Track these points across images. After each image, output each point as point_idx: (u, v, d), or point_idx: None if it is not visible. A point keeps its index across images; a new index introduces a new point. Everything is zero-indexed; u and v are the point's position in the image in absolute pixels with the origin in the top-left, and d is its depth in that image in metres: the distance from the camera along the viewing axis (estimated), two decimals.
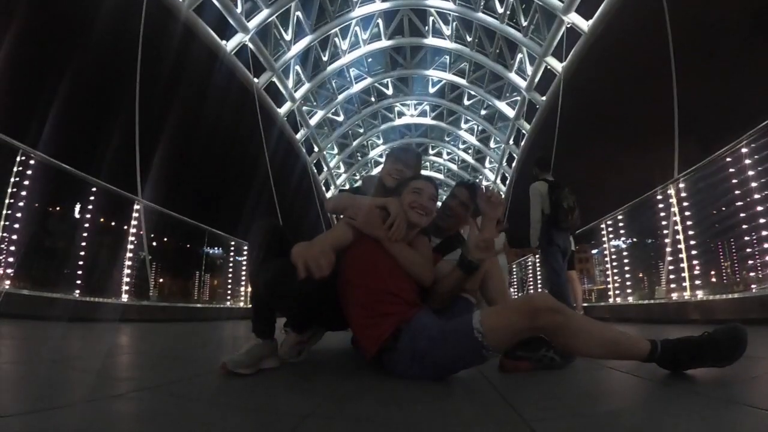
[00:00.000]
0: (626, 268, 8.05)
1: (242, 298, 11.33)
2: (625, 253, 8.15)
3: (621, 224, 8.11)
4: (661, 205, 6.70)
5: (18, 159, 5.18)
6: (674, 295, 6.23)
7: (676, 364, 1.68)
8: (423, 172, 2.91)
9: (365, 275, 2.03)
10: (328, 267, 1.77)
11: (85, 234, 6.27)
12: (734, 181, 5.16)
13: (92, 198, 6.38)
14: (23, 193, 5.19)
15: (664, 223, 6.60)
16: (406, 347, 1.83)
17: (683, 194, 6.22)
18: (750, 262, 5.21)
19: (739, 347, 1.63)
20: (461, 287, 2.21)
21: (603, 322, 1.82)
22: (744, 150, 5.01)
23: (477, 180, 26.35)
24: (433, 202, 2.24)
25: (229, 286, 11.09)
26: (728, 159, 5.23)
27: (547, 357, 2.01)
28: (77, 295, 6.00)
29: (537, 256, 7.88)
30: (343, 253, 2.06)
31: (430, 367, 1.80)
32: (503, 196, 21.39)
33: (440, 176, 29.76)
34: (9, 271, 5.09)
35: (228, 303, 10.67)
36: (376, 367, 2.03)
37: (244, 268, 11.70)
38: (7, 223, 5.03)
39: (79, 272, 6.14)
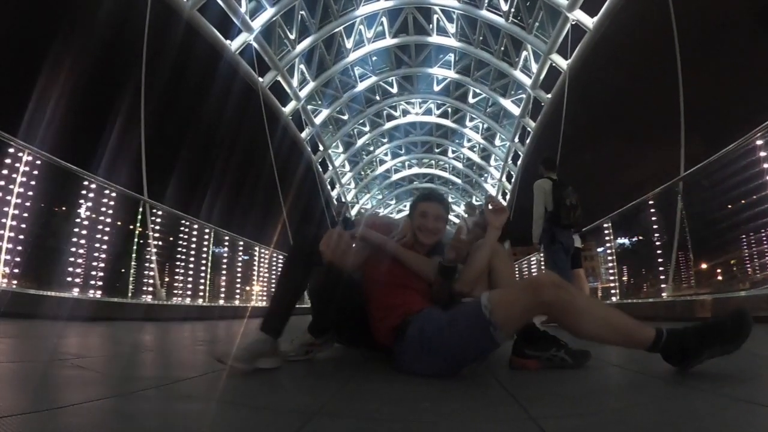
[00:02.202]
0: (632, 266, 8.02)
1: (252, 297, 11.39)
2: (631, 251, 8.12)
3: (627, 222, 8.08)
4: (667, 203, 6.67)
5: (24, 158, 5.20)
6: (681, 293, 6.21)
7: (682, 353, 1.65)
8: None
9: (378, 274, 2.24)
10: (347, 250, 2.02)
11: (90, 233, 6.30)
12: (741, 178, 5.13)
13: (98, 198, 6.42)
14: (29, 193, 5.23)
15: (670, 220, 6.57)
16: (414, 336, 1.89)
17: (689, 192, 6.19)
18: (757, 259, 5.19)
19: (744, 327, 1.61)
20: (450, 290, 2.30)
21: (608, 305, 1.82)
22: (751, 147, 4.98)
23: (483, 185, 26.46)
24: (440, 221, 2.38)
25: (238, 285, 11.15)
26: (735, 156, 5.20)
27: (558, 357, 2.00)
28: (83, 295, 6.04)
29: (541, 254, 7.89)
30: (364, 264, 2.33)
31: (439, 354, 1.82)
32: (508, 195, 21.40)
33: (445, 174, 29.73)
34: (16, 270, 5.13)
35: (236, 302, 10.71)
36: (383, 365, 2.03)
37: (254, 267, 11.80)
38: (13, 222, 5.05)
39: (84, 272, 6.17)
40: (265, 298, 11.76)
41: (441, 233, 2.39)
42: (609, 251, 8.72)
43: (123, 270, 7.13)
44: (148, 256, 7.48)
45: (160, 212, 7.95)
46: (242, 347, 1.93)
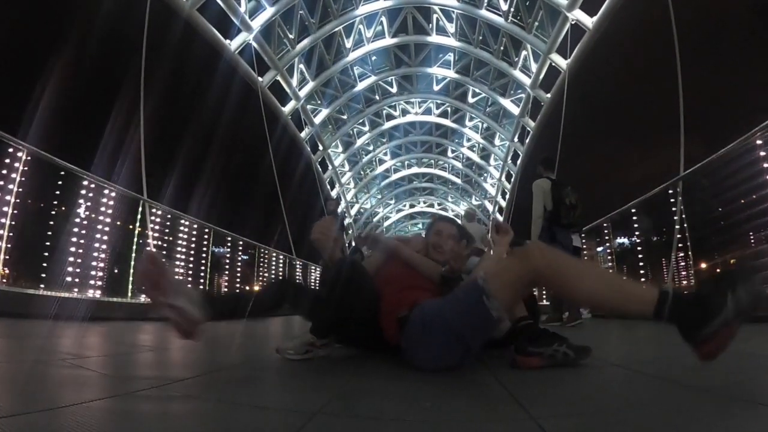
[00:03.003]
0: (632, 265, 8.02)
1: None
2: (630, 251, 8.13)
3: (626, 222, 8.09)
4: (667, 203, 6.68)
5: (23, 158, 5.20)
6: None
7: (701, 310, 1.41)
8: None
9: (391, 275, 2.44)
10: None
11: (89, 233, 6.30)
12: (740, 177, 5.14)
13: (98, 197, 6.42)
14: (29, 192, 5.22)
15: (669, 220, 6.58)
16: (417, 320, 1.96)
17: (689, 191, 6.20)
18: (757, 258, 5.19)
19: (752, 269, 1.55)
20: None
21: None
22: (750, 146, 4.99)
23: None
24: (453, 240, 2.65)
25: (238, 285, 11.18)
26: (734, 156, 5.21)
27: (560, 352, 2.00)
28: (81, 294, 6.04)
29: None
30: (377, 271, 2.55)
31: (439, 333, 1.86)
32: (508, 195, 21.38)
33: (445, 173, 29.74)
34: (15, 271, 5.13)
35: None
36: (385, 364, 2.04)
37: (253, 267, 11.85)
38: (11, 222, 5.04)
39: (83, 272, 6.17)
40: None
41: (453, 251, 2.58)
42: (608, 250, 8.73)
43: (122, 270, 7.13)
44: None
45: (159, 212, 7.96)
46: (180, 283, 1.95)
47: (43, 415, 1.11)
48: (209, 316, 1.96)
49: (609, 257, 8.77)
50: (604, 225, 8.71)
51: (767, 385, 1.59)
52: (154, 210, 7.75)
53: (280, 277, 12.72)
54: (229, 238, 10.80)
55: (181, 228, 8.77)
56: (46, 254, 6.08)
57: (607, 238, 8.71)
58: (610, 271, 1.85)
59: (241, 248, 11.43)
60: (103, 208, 6.48)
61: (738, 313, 1.37)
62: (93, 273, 6.29)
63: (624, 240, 8.46)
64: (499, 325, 2.15)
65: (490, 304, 1.74)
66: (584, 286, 1.67)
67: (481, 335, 1.90)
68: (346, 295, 2.17)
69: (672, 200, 6.55)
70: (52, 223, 5.85)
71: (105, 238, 6.47)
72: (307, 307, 2.33)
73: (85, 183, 6.25)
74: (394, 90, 22.30)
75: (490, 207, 27.55)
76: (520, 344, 2.07)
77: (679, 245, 6.38)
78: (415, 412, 1.31)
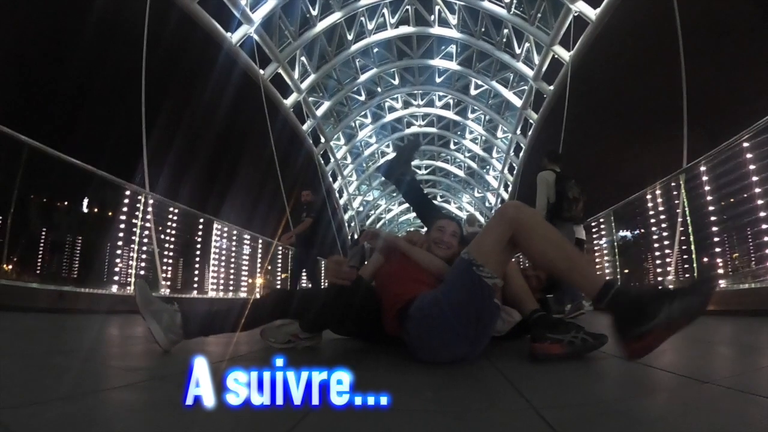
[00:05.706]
0: (634, 258, 8.00)
1: (255, 289, 11.47)
2: (633, 243, 8.11)
3: (629, 214, 8.07)
4: (669, 195, 6.65)
5: (25, 153, 5.18)
6: None
7: (638, 309, 1.55)
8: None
9: (393, 269, 2.47)
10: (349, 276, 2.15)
11: (92, 228, 6.31)
12: (744, 171, 5.11)
13: (100, 191, 6.40)
14: (29, 187, 5.22)
15: (673, 212, 6.56)
16: (416, 312, 1.98)
17: (692, 184, 6.17)
18: (759, 253, 5.18)
19: (708, 283, 1.63)
20: None
21: None
22: (755, 140, 4.96)
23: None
24: (455, 238, 2.64)
25: (244, 278, 11.22)
26: (738, 149, 5.18)
27: (579, 338, 1.99)
28: (78, 288, 6.06)
29: None
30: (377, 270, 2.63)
31: (440, 319, 1.88)
32: (510, 188, 21.37)
33: (447, 166, 29.68)
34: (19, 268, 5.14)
35: (241, 293, 10.77)
36: (385, 356, 2.04)
37: (257, 259, 11.89)
38: (11, 220, 5.03)
39: (81, 265, 6.19)
40: (267, 289, 11.81)
41: (454, 248, 2.56)
42: (609, 244, 8.71)
43: (125, 263, 7.14)
44: (150, 249, 7.48)
45: (161, 205, 7.98)
46: (152, 298, 2.25)
47: (47, 406, 1.12)
48: (183, 338, 2.20)
49: (609, 250, 8.74)
50: (607, 217, 8.69)
51: (763, 376, 1.59)
52: (155, 203, 7.74)
53: (278, 288, 12.77)
54: (234, 232, 10.82)
55: (182, 220, 8.75)
56: (49, 248, 6.09)
57: (609, 230, 8.68)
58: (571, 244, 1.92)
59: (243, 240, 11.45)
60: (107, 203, 6.47)
61: (668, 323, 1.50)
62: (95, 267, 6.30)
63: (626, 233, 8.44)
64: (502, 314, 2.16)
65: (480, 272, 1.81)
66: (543, 250, 1.79)
67: (481, 313, 1.90)
68: (347, 312, 2.24)
69: (675, 193, 6.53)
70: (54, 217, 5.84)
71: (108, 231, 6.47)
72: (305, 315, 2.35)
73: (88, 177, 6.21)
74: (396, 82, 22.23)
75: (492, 199, 27.52)
76: (538, 333, 2.06)
77: (682, 238, 6.36)
78: (416, 402, 1.32)
